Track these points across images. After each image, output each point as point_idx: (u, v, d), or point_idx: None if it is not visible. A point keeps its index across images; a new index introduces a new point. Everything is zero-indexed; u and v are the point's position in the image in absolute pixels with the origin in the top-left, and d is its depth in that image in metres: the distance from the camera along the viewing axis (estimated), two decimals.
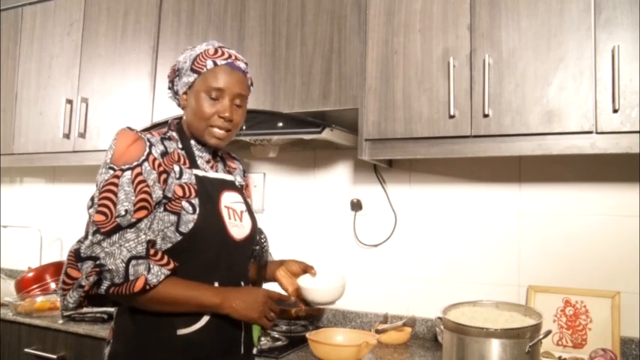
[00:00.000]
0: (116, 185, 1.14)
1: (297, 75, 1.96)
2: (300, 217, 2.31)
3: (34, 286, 2.40)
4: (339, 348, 1.64)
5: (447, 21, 1.69)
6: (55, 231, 2.95)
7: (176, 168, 1.23)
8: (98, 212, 1.13)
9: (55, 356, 1.99)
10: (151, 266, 1.14)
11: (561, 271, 1.84)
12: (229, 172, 1.41)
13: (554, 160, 1.87)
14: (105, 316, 2.06)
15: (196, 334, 1.20)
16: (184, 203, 1.21)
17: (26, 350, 2.07)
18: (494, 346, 1.31)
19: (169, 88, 1.35)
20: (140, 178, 1.16)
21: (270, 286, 1.34)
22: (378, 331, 1.87)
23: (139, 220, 1.15)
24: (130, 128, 1.23)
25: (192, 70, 1.26)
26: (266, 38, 2.04)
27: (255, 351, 1.40)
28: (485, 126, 1.62)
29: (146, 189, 1.16)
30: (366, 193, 2.19)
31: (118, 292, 1.12)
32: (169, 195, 1.20)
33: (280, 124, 1.83)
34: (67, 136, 2.44)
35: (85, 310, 1.23)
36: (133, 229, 1.14)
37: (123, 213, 1.13)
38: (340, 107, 1.88)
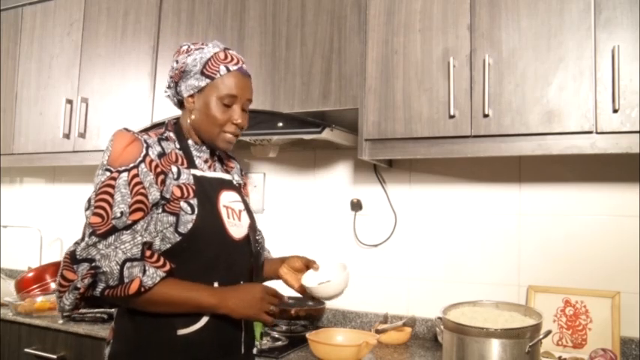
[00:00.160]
0: (112, 187, 1.14)
1: (297, 75, 1.97)
2: (300, 217, 2.31)
3: (34, 286, 2.40)
4: (339, 348, 1.64)
5: (447, 21, 1.69)
6: (55, 231, 2.95)
7: (174, 169, 1.23)
8: (94, 214, 1.13)
9: (55, 356, 1.99)
10: (147, 268, 1.14)
11: (561, 271, 1.84)
12: (227, 171, 1.41)
13: (554, 160, 1.87)
14: (105, 316, 2.06)
15: (196, 334, 1.20)
16: (183, 204, 1.21)
17: (26, 350, 2.07)
18: (494, 346, 1.31)
19: (169, 87, 1.34)
20: (137, 179, 1.16)
21: (273, 284, 1.34)
22: (378, 331, 1.87)
23: (135, 222, 1.14)
24: (126, 129, 1.22)
25: (204, 75, 1.25)
26: (266, 38, 2.04)
27: (255, 351, 1.40)
28: (485, 126, 1.62)
29: (142, 191, 1.16)
30: (366, 193, 2.19)
31: (113, 295, 1.11)
32: (167, 196, 1.20)
33: (280, 124, 1.83)
34: (67, 136, 2.45)
35: (84, 310, 1.23)
36: (128, 231, 1.14)
37: (118, 215, 1.13)
38: (340, 107, 1.88)
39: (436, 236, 2.06)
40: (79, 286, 1.11)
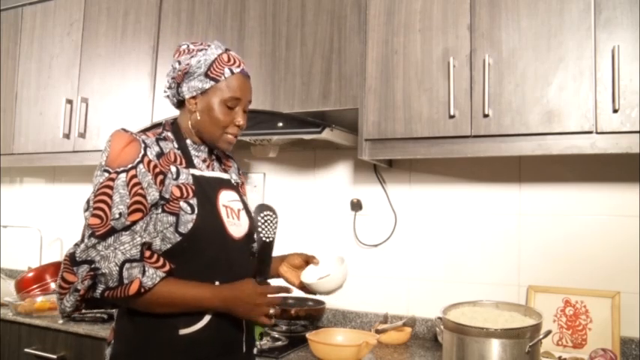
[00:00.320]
0: (111, 188, 1.14)
1: (297, 75, 1.97)
2: (300, 217, 2.31)
3: (34, 286, 2.40)
4: (339, 348, 1.64)
5: (447, 21, 1.69)
6: (55, 231, 2.95)
7: (173, 169, 1.23)
8: (93, 215, 1.13)
9: (55, 356, 1.99)
10: (146, 269, 1.14)
11: (561, 271, 1.84)
12: (225, 171, 1.41)
13: (554, 160, 1.87)
14: (105, 316, 2.06)
15: (198, 334, 1.20)
16: (182, 204, 1.21)
17: (26, 350, 2.07)
18: (494, 346, 1.31)
19: (169, 88, 1.33)
20: (135, 180, 1.16)
21: (275, 282, 1.34)
22: (378, 331, 1.87)
23: (134, 223, 1.15)
24: (124, 130, 1.22)
25: (208, 77, 1.26)
26: (266, 38, 2.04)
27: (255, 351, 1.40)
28: (485, 126, 1.62)
29: (140, 191, 1.16)
30: (366, 193, 2.19)
31: (112, 296, 1.12)
32: (167, 196, 1.20)
33: (280, 124, 1.83)
34: (67, 136, 2.45)
35: (85, 311, 1.23)
36: (128, 232, 1.14)
37: (117, 216, 1.13)
38: (340, 107, 1.88)
39: (436, 236, 2.06)
40: (79, 287, 1.11)
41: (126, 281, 1.11)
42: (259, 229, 1.26)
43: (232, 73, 1.27)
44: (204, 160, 1.33)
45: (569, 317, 1.77)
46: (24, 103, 2.64)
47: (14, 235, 3.03)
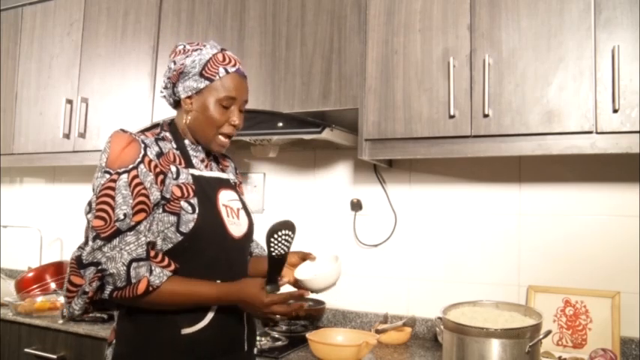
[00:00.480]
0: (113, 189, 1.14)
1: (297, 75, 1.97)
2: (300, 217, 2.31)
3: (34, 286, 2.40)
4: (339, 348, 1.64)
5: (447, 21, 1.69)
6: (55, 231, 2.95)
7: (173, 168, 1.23)
8: (97, 217, 1.13)
9: (55, 356, 1.99)
10: (153, 268, 1.14)
11: (561, 271, 1.84)
12: (223, 170, 1.42)
13: (554, 160, 1.87)
14: (105, 316, 2.06)
15: (200, 333, 1.21)
16: (183, 203, 1.21)
17: (26, 350, 2.07)
18: (494, 346, 1.31)
19: (165, 88, 1.33)
20: (137, 180, 1.16)
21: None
22: (378, 331, 1.87)
23: (138, 223, 1.15)
24: (123, 130, 1.22)
25: (203, 76, 1.26)
26: (266, 38, 2.04)
27: (255, 350, 1.40)
28: (485, 126, 1.62)
29: (143, 191, 1.16)
30: (366, 193, 2.19)
31: (121, 296, 1.12)
32: (167, 196, 1.20)
33: (280, 124, 1.83)
34: (67, 136, 2.45)
35: (92, 312, 1.23)
36: (132, 232, 1.14)
37: (122, 217, 1.13)
38: (340, 107, 1.88)
39: (436, 236, 2.06)
40: (87, 290, 1.11)
41: (134, 280, 1.11)
42: (274, 245, 1.18)
43: (227, 72, 1.27)
44: (202, 160, 1.34)
45: (569, 317, 1.77)
46: (24, 103, 2.64)
47: (14, 235, 3.03)
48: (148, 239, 1.16)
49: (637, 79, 1.45)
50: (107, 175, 1.16)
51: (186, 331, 1.20)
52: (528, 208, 1.92)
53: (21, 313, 2.16)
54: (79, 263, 1.12)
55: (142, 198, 1.15)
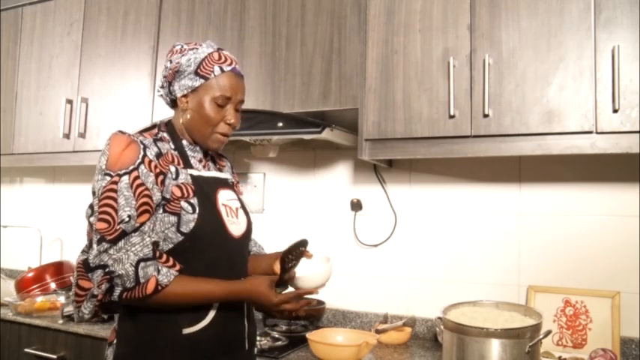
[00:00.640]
0: (115, 191, 1.14)
1: (297, 75, 1.97)
2: (300, 217, 2.31)
3: (34, 286, 2.40)
4: (339, 348, 1.64)
5: (447, 21, 1.69)
6: (55, 231, 2.95)
7: (172, 169, 1.23)
8: (100, 220, 1.13)
9: (55, 356, 1.99)
10: (160, 267, 1.15)
11: (561, 271, 1.84)
12: (220, 170, 1.42)
13: (554, 160, 1.87)
14: (105, 317, 2.05)
15: (201, 333, 1.21)
16: (183, 203, 1.21)
17: (26, 350, 2.07)
18: (494, 346, 1.31)
19: (162, 87, 1.34)
20: (138, 181, 1.16)
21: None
22: (378, 331, 1.87)
23: (143, 224, 1.15)
24: (121, 132, 1.22)
25: (198, 75, 1.26)
26: (266, 38, 2.04)
27: (255, 350, 1.40)
28: (485, 126, 1.62)
29: (146, 192, 1.16)
30: (366, 193, 2.19)
31: (131, 297, 1.12)
32: (167, 196, 1.20)
33: (280, 124, 1.83)
34: (67, 136, 2.45)
35: (101, 314, 1.23)
36: (137, 233, 1.14)
37: (127, 219, 1.13)
38: (340, 107, 1.88)
39: (436, 236, 2.06)
40: (96, 293, 1.12)
41: (142, 280, 1.12)
42: (289, 260, 1.31)
43: (222, 71, 1.27)
44: (200, 161, 1.34)
45: (569, 317, 1.77)
46: (24, 103, 2.64)
47: (14, 235, 3.03)
48: (153, 239, 1.16)
49: (637, 79, 1.45)
50: (108, 178, 1.16)
51: (187, 330, 1.20)
52: (528, 208, 1.92)
53: (21, 313, 2.16)
54: (86, 267, 1.12)
55: (145, 199, 1.15)
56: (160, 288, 1.13)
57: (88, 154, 2.40)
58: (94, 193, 1.19)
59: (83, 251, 1.16)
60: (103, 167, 1.17)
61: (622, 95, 1.46)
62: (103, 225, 1.12)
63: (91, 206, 1.18)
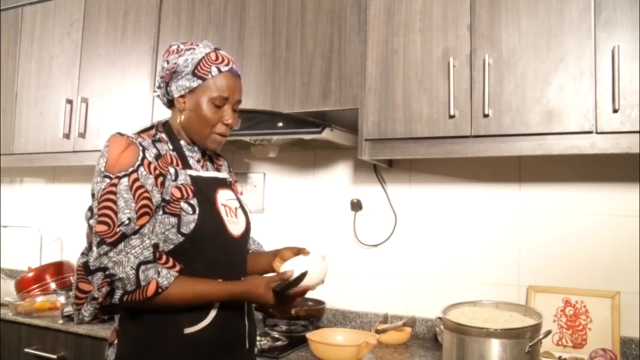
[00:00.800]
0: (114, 193, 1.14)
1: (297, 75, 1.97)
2: (300, 217, 2.31)
3: (34, 286, 2.40)
4: (339, 348, 1.64)
5: (447, 21, 1.69)
6: (55, 231, 2.95)
7: (171, 170, 1.23)
8: (100, 222, 1.13)
9: (55, 356, 1.99)
10: (160, 269, 1.15)
11: (561, 271, 1.84)
12: (218, 170, 1.42)
13: (554, 160, 1.87)
14: (105, 317, 2.05)
15: (203, 332, 1.21)
16: (183, 204, 1.21)
17: (26, 350, 2.07)
18: (494, 346, 1.31)
19: (159, 87, 1.34)
20: (138, 183, 1.16)
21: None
22: (378, 331, 1.87)
23: (143, 226, 1.15)
24: (120, 134, 1.22)
25: (195, 75, 1.26)
26: (266, 38, 2.04)
27: (255, 350, 1.40)
28: (485, 126, 1.62)
29: (146, 194, 1.16)
30: (366, 193, 2.19)
31: (131, 300, 1.12)
32: (167, 197, 1.20)
33: (280, 124, 1.83)
34: (67, 136, 2.45)
35: (101, 317, 1.23)
36: (137, 235, 1.14)
37: (126, 222, 1.13)
38: (340, 107, 1.88)
39: (436, 236, 2.06)
40: (96, 296, 1.12)
41: (143, 283, 1.12)
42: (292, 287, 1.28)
43: (220, 71, 1.27)
44: (198, 161, 1.34)
45: (569, 317, 1.77)
46: (24, 103, 2.64)
47: (14, 235, 3.03)
48: (153, 241, 1.16)
49: (637, 79, 1.45)
50: (107, 180, 1.15)
51: (188, 330, 1.20)
52: (528, 208, 1.92)
53: (21, 313, 2.16)
54: (86, 270, 1.12)
55: (145, 201, 1.15)
56: (160, 290, 1.13)
57: (88, 154, 2.40)
58: (93, 195, 1.18)
59: (83, 254, 1.16)
60: (102, 169, 1.17)
61: (622, 95, 1.46)
62: (102, 227, 1.12)
63: (91, 209, 1.18)
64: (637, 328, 1.72)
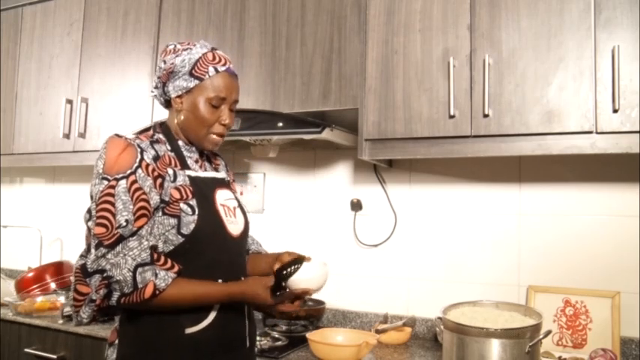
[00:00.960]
0: (112, 195, 1.14)
1: (297, 75, 1.97)
2: (300, 217, 2.31)
3: (34, 286, 2.40)
4: (339, 348, 1.64)
5: (447, 21, 1.69)
6: (55, 231, 2.95)
7: (170, 171, 1.23)
8: (98, 225, 1.13)
9: (55, 356, 1.99)
10: (157, 271, 1.14)
11: (561, 271, 1.84)
12: (216, 169, 1.42)
13: (554, 160, 1.87)
14: (103, 318, 2.05)
15: (203, 332, 1.21)
16: (183, 205, 1.21)
17: (26, 350, 2.07)
18: (494, 346, 1.31)
19: (156, 87, 1.33)
20: (136, 185, 1.15)
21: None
22: (378, 331, 1.87)
23: (140, 228, 1.15)
24: (118, 135, 1.22)
25: (192, 76, 1.26)
26: (266, 38, 2.04)
27: (255, 350, 1.40)
28: (485, 126, 1.62)
29: (143, 196, 1.16)
30: (366, 193, 2.19)
31: (129, 302, 1.12)
32: (166, 199, 1.20)
33: (280, 124, 1.83)
34: (67, 136, 2.45)
35: (99, 318, 1.23)
36: (134, 237, 1.14)
37: (124, 224, 1.13)
38: (340, 107, 1.88)
39: (436, 236, 2.06)
40: (94, 298, 1.12)
41: (140, 285, 1.11)
42: (285, 274, 1.30)
43: (217, 71, 1.27)
44: (196, 161, 1.34)
45: (569, 317, 1.77)
46: (24, 103, 2.64)
47: (14, 235, 3.03)
48: (150, 243, 1.16)
49: (637, 79, 1.45)
50: (105, 182, 1.15)
51: (189, 330, 1.20)
52: (528, 208, 1.92)
53: (21, 313, 2.16)
54: (84, 272, 1.12)
55: (142, 203, 1.15)
56: (157, 292, 1.13)
57: (88, 154, 2.40)
58: (91, 197, 1.18)
59: (82, 256, 1.16)
60: (101, 171, 1.17)
61: (622, 95, 1.46)
62: (100, 230, 1.12)
63: (89, 210, 1.18)
64: (637, 328, 1.72)
